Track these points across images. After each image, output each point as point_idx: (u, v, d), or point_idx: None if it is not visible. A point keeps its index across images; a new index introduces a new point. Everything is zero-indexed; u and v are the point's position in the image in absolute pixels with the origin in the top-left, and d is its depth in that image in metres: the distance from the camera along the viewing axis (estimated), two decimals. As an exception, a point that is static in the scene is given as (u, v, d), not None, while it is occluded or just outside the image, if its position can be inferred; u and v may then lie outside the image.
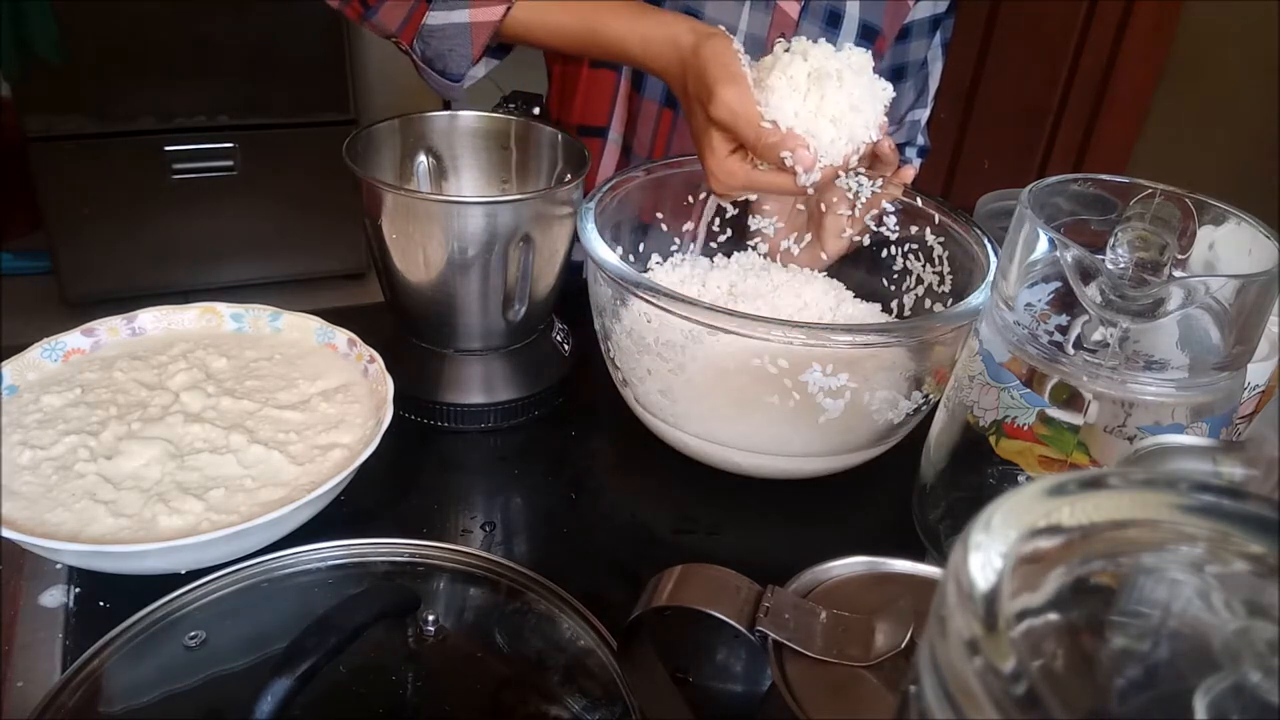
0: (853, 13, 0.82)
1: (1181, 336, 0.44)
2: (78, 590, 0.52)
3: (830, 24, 0.82)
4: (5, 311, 2.00)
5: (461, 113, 0.74)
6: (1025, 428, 0.48)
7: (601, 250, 0.61)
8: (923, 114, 0.94)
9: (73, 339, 0.62)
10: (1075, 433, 0.47)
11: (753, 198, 0.77)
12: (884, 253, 0.75)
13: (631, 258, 0.75)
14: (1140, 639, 0.22)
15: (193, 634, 0.46)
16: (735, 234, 0.79)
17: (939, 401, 0.57)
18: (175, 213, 2.15)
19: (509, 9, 0.68)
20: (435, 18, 0.69)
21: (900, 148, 0.92)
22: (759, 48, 0.81)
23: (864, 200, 0.74)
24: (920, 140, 0.95)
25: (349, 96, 2.19)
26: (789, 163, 0.61)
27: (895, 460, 0.64)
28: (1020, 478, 0.50)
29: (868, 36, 0.84)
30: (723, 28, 0.65)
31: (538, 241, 0.65)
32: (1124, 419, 0.45)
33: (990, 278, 0.61)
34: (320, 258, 2.33)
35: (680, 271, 0.76)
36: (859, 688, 0.34)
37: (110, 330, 0.63)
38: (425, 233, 0.63)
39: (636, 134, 0.89)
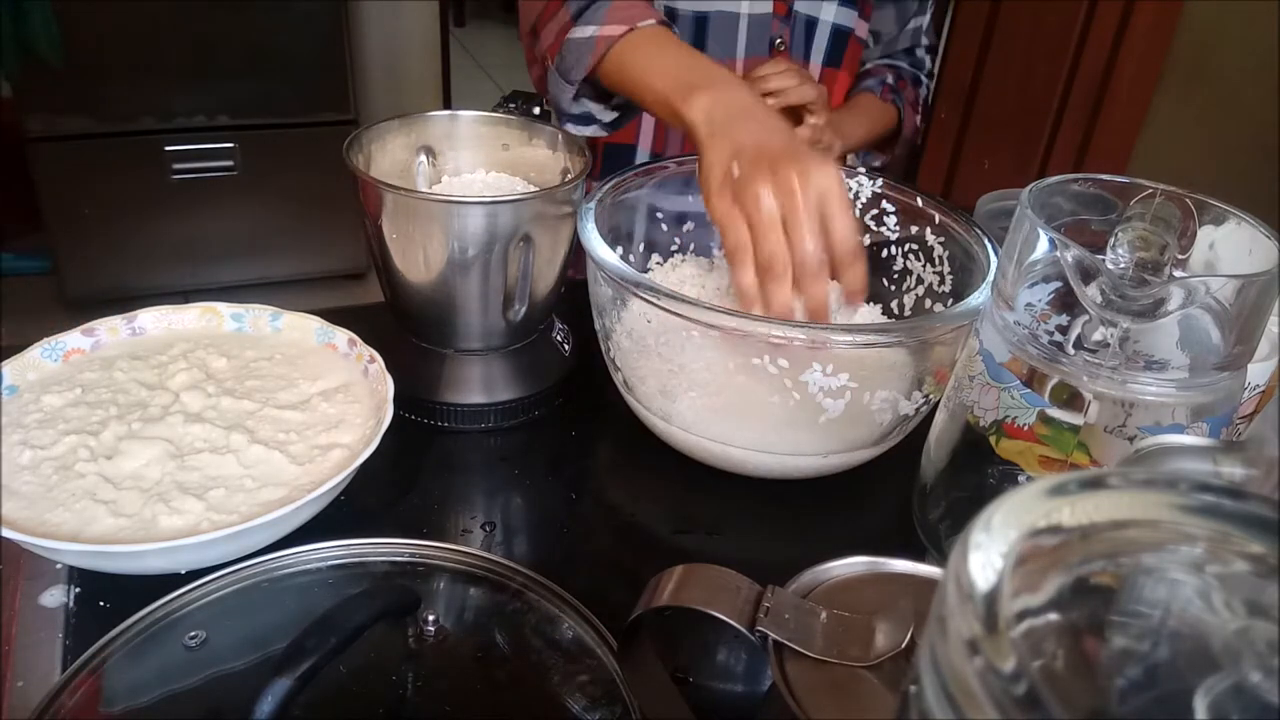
0: None
1: (1182, 336, 0.44)
2: (78, 590, 0.52)
3: None
4: (5, 311, 2.00)
5: (461, 113, 0.74)
6: (1025, 428, 0.48)
7: (601, 250, 0.61)
8: (923, 20, 1.03)
9: (73, 339, 0.62)
10: (1075, 433, 0.47)
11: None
12: (884, 253, 0.75)
13: (631, 258, 0.75)
14: (1140, 639, 0.22)
15: (193, 634, 0.46)
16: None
17: (939, 401, 0.57)
18: (175, 213, 2.15)
19: (630, 30, 0.74)
20: (575, 32, 0.77)
21: (909, 50, 1.04)
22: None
23: (864, 200, 0.74)
24: (925, 40, 1.05)
25: (349, 96, 2.19)
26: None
27: (895, 460, 0.64)
28: (1020, 478, 0.50)
29: None
30: None
31: (538, 241, 0.65)
32: (1124, 419, 0.45)
33: (990, 278, 0.61)
34: (320, 258, 2.33)
35: (680, 271, 0.76)
36: (859, 688, 0.34)
37: (110, 330, 0.63)
38: (425, 233, 0.63)
39: (667, 141, 0.96)
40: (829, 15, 0.95)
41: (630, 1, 0.77)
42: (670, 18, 0.90)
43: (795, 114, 0.85)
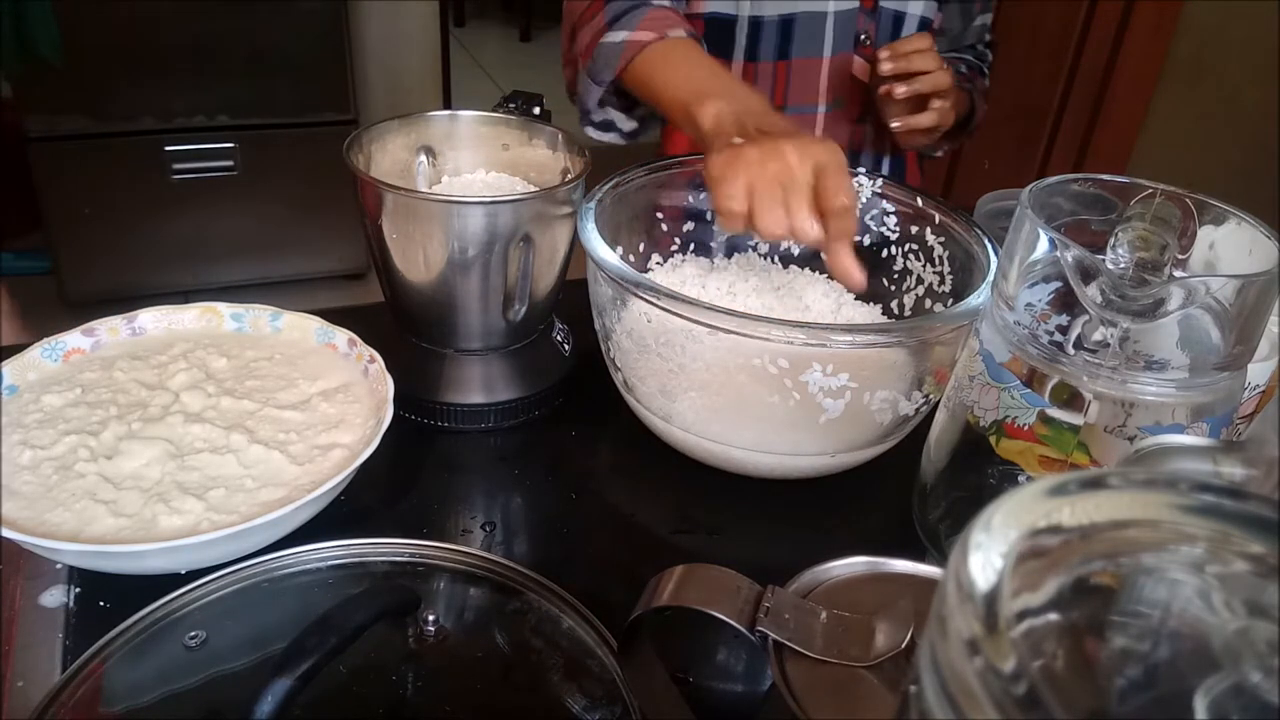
0: None
1: (1182, 336, 0.44)
2: (78, 590, 0.52)
3: None
4: (5, 311, 2.00)
5: (462, 113, 0.74)
6: (1025, 428, 0.48)
7: (601, 250, 0.61)
8: (988, 18, 1.07)
9: (73, 339, 0.62)
10: (1075, 433, 0.47)
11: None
12: (884, 253, 0.75)
13: (631, 258, 0.75)
14: (1140, 639, 0.22)
15: (193, 634, 0.46)
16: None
17: (939, 401, 0.57)
18: (175, 213, 2.14)
19: (660, 39, 0.78)
20: (609, 37, 0.81)
21: (970, 47, 1.08)
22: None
23: (864, 200, 0.74)
24: (988, 36, 1.09)
25: (349, 96, 2.19)
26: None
27: (895, 460, 0.64)
28: (1020, 478, 0.50)
29: None
30: None
31: (538, 241, 0.65)
32: (1124, 419, 0.45)
33: (990, 278, 0.61)
34: (320, 258, 2.33)
35: (680, 272, 0.76)
36: (859, 688, 0.34)
37: (110, 330, 0.63)
38: (425, 233, 0.63)
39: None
40: (916, 9, 0.98)
41: (665, 12, 0.80)
42: (755, 28, 0.92)
43: (919, 99, 0.86)
